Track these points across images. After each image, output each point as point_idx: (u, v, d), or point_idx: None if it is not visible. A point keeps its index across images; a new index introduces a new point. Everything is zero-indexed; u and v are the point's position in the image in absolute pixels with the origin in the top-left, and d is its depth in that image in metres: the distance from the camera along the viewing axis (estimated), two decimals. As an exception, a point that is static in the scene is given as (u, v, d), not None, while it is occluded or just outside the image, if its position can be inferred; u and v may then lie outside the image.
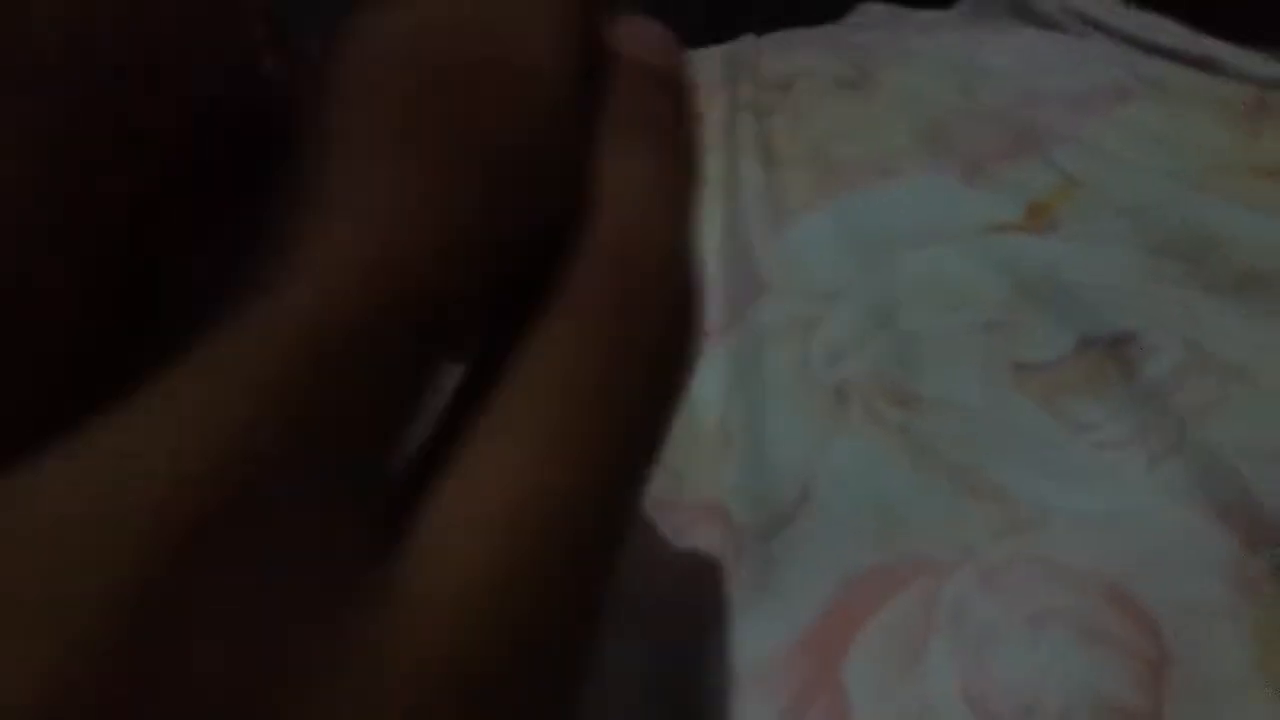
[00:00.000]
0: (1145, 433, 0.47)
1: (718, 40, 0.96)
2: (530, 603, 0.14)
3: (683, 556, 0.47)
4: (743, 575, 0.47)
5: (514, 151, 0.15)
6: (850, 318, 0.59)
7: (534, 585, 0.14)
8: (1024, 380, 0.53)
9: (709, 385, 0.58)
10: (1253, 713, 0.36)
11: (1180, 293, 0.55)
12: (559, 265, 0.17)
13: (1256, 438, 0.45)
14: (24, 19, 0.14)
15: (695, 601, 0.45)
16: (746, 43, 0.94)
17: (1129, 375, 0.51)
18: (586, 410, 0.15)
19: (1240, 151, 0.67)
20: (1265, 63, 0.73)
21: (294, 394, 0.12)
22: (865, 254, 0.63)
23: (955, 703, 0.39)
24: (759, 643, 0.43)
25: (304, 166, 0.14)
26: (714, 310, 0.64)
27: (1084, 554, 0.43)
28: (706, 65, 0.92)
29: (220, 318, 0.12)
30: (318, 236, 0.13)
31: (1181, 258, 0.58)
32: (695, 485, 0.51)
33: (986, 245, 0.62)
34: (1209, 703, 0.37)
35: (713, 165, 0.77)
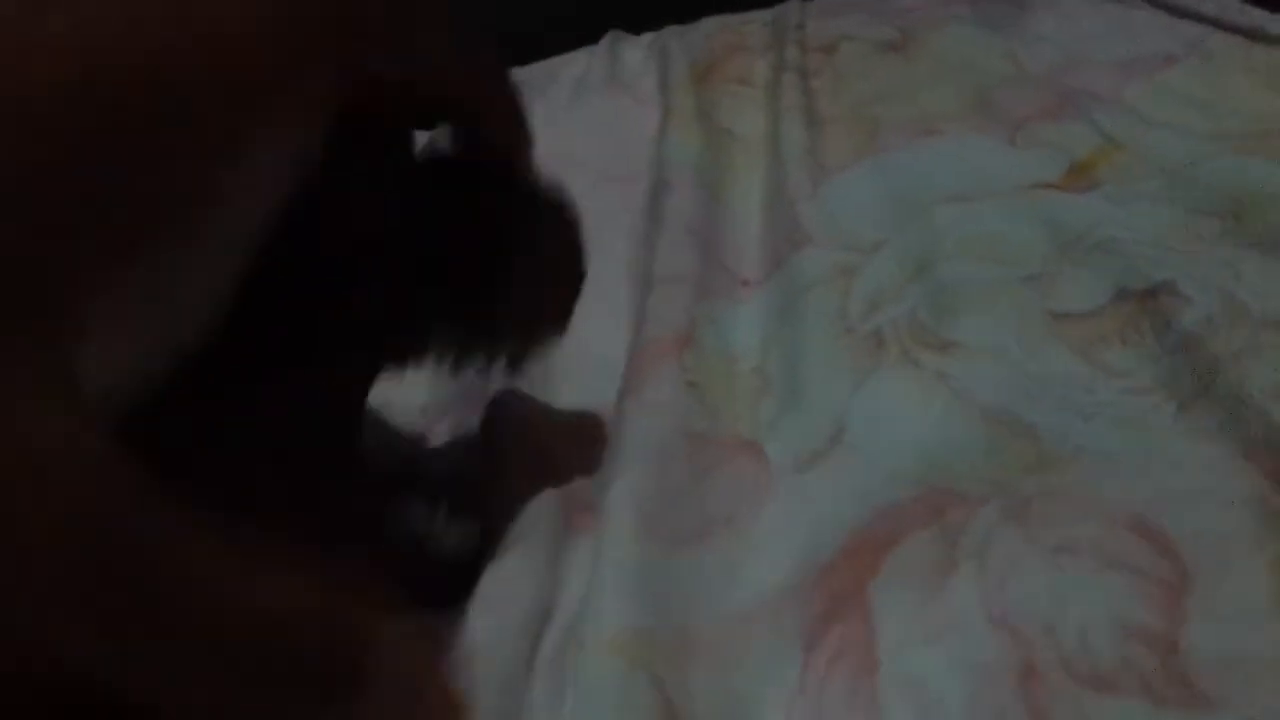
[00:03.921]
0: (1176, 379, 0.48)
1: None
2: None
3: (715, 485, 0.49)
4: (777, 505, 0.48)
5: None
6: (889, 267, 0.60)
7: None
8: (1060, 329, 0.54)
9: (748, 332, 0.59)
10: (1268, 639, 0.37)
11: (1217, 248, 0.56)
12: None
13: (1285, 383, 0.46)
14: None
15: (723, 526, 0.47)
16: (792, 6, 0.95)
17: (1163, 325, 0.51)
18: None
19: (1282, 117, 0.67)
20: (1313, 30, 0.73)
21: None
22: (905, 208, 0.64)
23: (978, 621, 0.40)
24: (791, 565, 0.44)
25: None
26: (755, 261, 0.65)
27: (1110, 488, 0.44)
28: (752, 29, 0.93)
29: None
30: None
31: (1219, 215, 0.58)
32: (732, 422, 0.53)
33: (1027, 202, 0.63)
34: (1225, 627, 0.38)
35: (756, 125, 0.78)
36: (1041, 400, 0.49)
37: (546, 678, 0.43)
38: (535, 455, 0.52)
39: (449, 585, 0.47)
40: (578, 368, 0.62)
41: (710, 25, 0.94)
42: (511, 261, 0.44)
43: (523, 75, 0.85)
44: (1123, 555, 0.41)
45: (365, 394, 0.43)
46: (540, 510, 0.52)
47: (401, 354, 0.44)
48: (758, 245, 0.66)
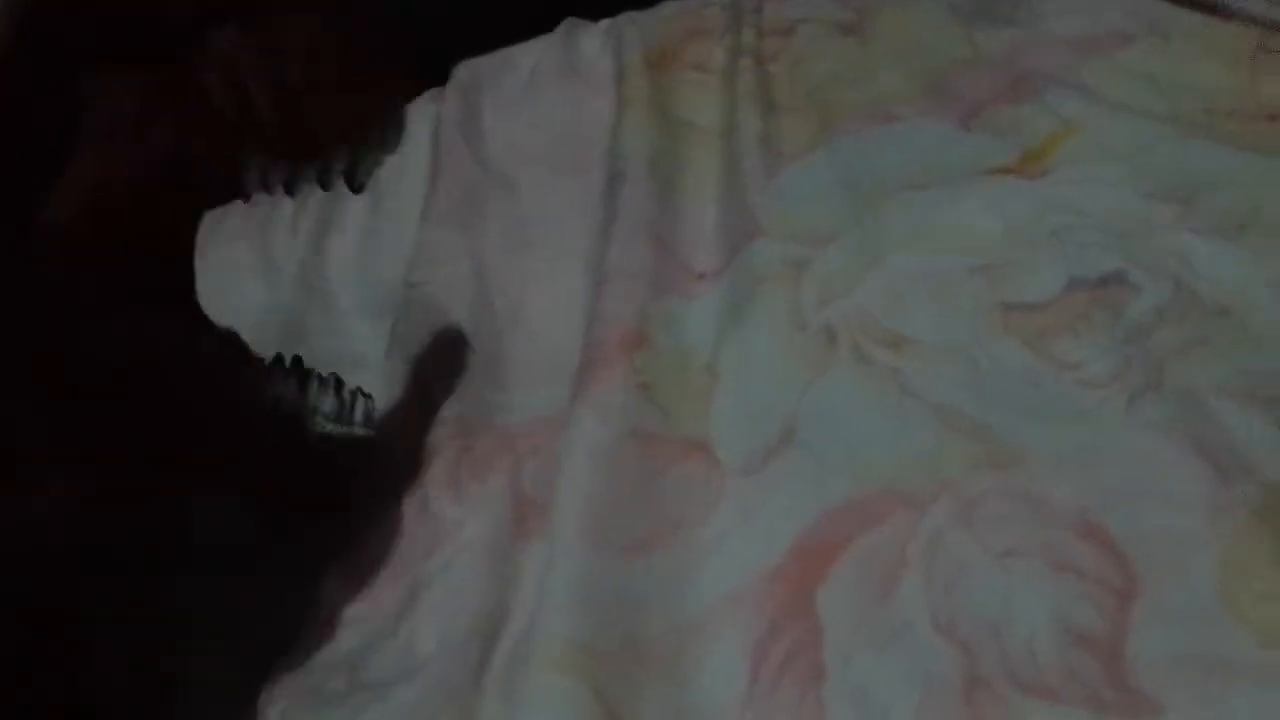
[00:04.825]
0: (1127, 371, 0.48)
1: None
2: None
3: (665, 488, 0.49)
4: (726, 508, 0.47)
5: None
6: (842, 260, 0.59)
7: None
8: (1012, 321, 0.53)
9: (700, 326, 0.58)
10: (1213, 641, 0.37)
11: (1170, 234, 0.55)
12: None
13: (1233, 376, 0.45)
14: None
15: (672, 531, 0.46)
16: (751, -11, 0.94)
17: (1115, 315, 0.51)
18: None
19: (1241, 95, 0.66)
20: (1270, 6, 0.73)
21: None
22: (859, 197, 0.63)
23: (925, 629, 0.39)
24: (737, 573, 0.44)
25: None
26: (710, 254, 0.64)
27: (1059, 488, 0.43)
28: (711, 12, 0.91)
29: None
30: None
31: (1175, 200, 0.58)
32: (682, 421, 0.52)
33: (980, 189, 0.62)
34: (1171, 629, 0.38)
35: (713, 113, 0.77)
36: (991, 397, 0.48)
37: (496, 692, 0.43)
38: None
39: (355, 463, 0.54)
40: (529, 361, 0.61)
41: (668, 9, 0.93)
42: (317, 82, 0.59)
43: (480, 65, 0.84)
44: (1070, 558, 0.40)
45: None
46: (491, 515, 0.52)
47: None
48: (712, 238, 0.65)
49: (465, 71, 0.81)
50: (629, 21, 0.91)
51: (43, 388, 0.39)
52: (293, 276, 0.69)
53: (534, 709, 0.40)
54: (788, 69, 0.78)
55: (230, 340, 0.57)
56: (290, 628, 0.49)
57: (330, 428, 0.57)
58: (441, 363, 0.60)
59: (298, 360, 0.61)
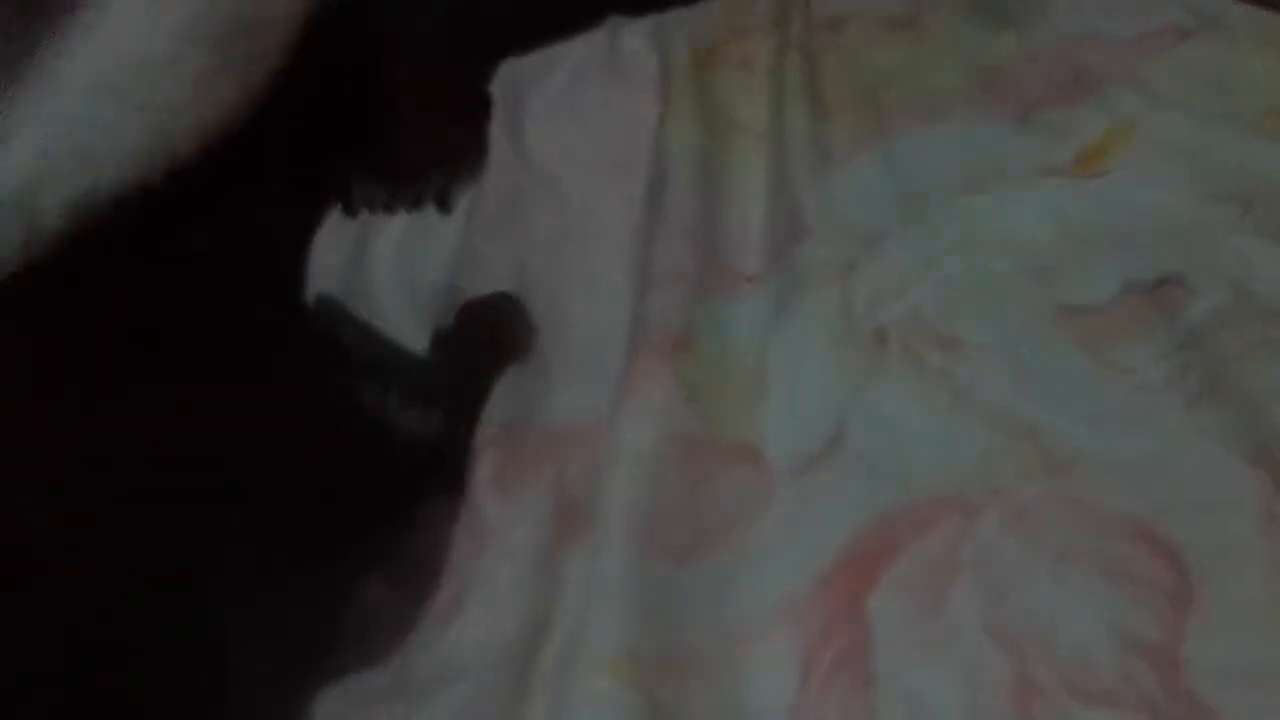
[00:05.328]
0: (1184, 376, 0.47)
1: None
2: None
3: (711, 494, 0.48)
4: (774, 514, 0.47)
5: None
6: (893, 262, 0.59)
7: None
8: (1067, 324, 0.52)
9: (747, 328, 0.58)
10: (1268, 648, 0.36)
11: (1229, 237, 0.54)
12: None
13: (1294, 381, 0.44)
14: None
15: (718, 537, 0.46)
16: (799, -17, 0.93)
17: (1172, 318, 0.50)
18: None
19: (1302, 93, 0.65)
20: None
21: None
22: (911, 199, 0.63)
23: (976, 633, 0.39)
24: (786, 579, 0.44)
25: None
26: (757, 255, 0.64)
27: (1114, 495, 0.43)
28: (756, 7, 0.91)
29: None
30: None
31: (1233, 202, 0.57)
32: (730, 427, 0.52)
33: (1035, 190, 0.61)
34: (1227, 638, 0.37)
35: (759, 111, 0.77)
36: (1045, 400, 0.48)
37: (543, 695, 0.43)
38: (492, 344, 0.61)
39: (411, 465, 0.53)
40: (572, 360, 0.61)
41: (715, 5, 0.92)
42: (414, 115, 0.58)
43: (522, 65, 0.84)
44: (1124, 565, 0.40)
45: (300, 245, 0.54)
46: (536, 518, 0.52)
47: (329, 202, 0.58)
48: (759, 239, 0.65)
49: (508, 71, 0.81)
50: (675, 19, 0.90)
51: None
52: (336, 278, 0.70)
53: (582, 713, 0.40)
54: (838, 65, 0.78)
55: (331, 343, 0.57)
56: (336, 630, 0.49)
57: (408, 432, 0.57)
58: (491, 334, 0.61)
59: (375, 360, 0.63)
